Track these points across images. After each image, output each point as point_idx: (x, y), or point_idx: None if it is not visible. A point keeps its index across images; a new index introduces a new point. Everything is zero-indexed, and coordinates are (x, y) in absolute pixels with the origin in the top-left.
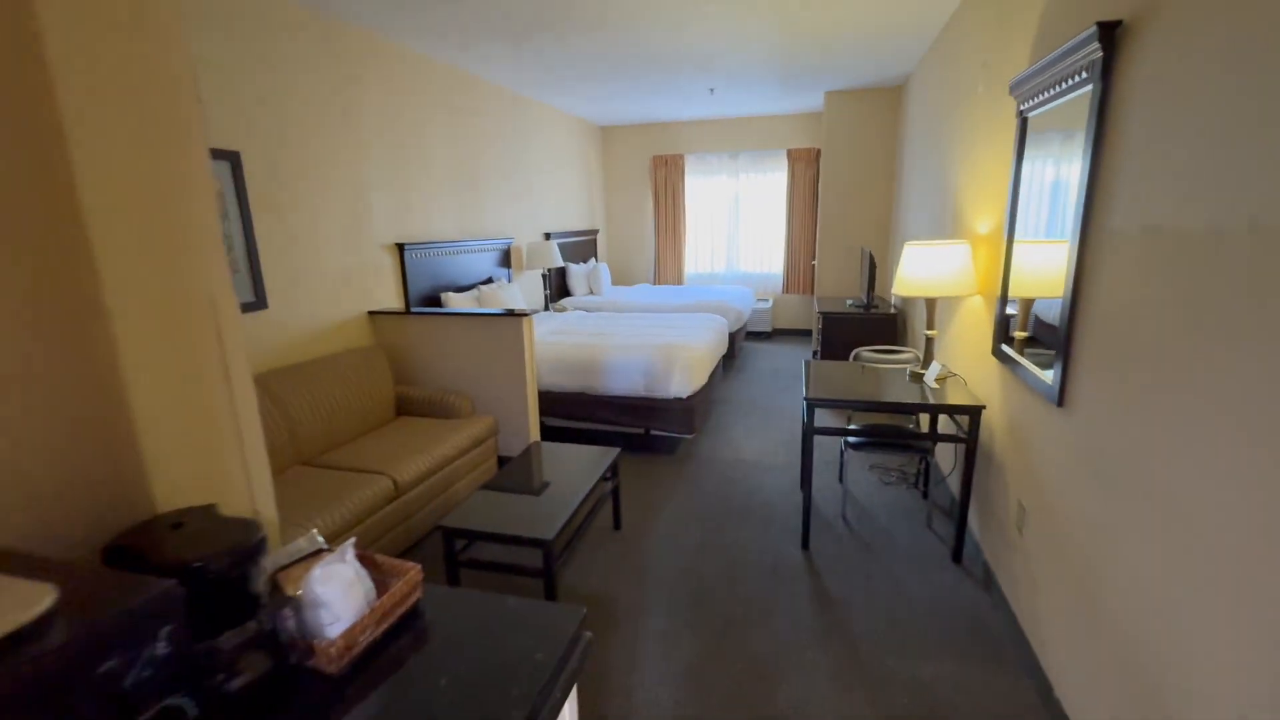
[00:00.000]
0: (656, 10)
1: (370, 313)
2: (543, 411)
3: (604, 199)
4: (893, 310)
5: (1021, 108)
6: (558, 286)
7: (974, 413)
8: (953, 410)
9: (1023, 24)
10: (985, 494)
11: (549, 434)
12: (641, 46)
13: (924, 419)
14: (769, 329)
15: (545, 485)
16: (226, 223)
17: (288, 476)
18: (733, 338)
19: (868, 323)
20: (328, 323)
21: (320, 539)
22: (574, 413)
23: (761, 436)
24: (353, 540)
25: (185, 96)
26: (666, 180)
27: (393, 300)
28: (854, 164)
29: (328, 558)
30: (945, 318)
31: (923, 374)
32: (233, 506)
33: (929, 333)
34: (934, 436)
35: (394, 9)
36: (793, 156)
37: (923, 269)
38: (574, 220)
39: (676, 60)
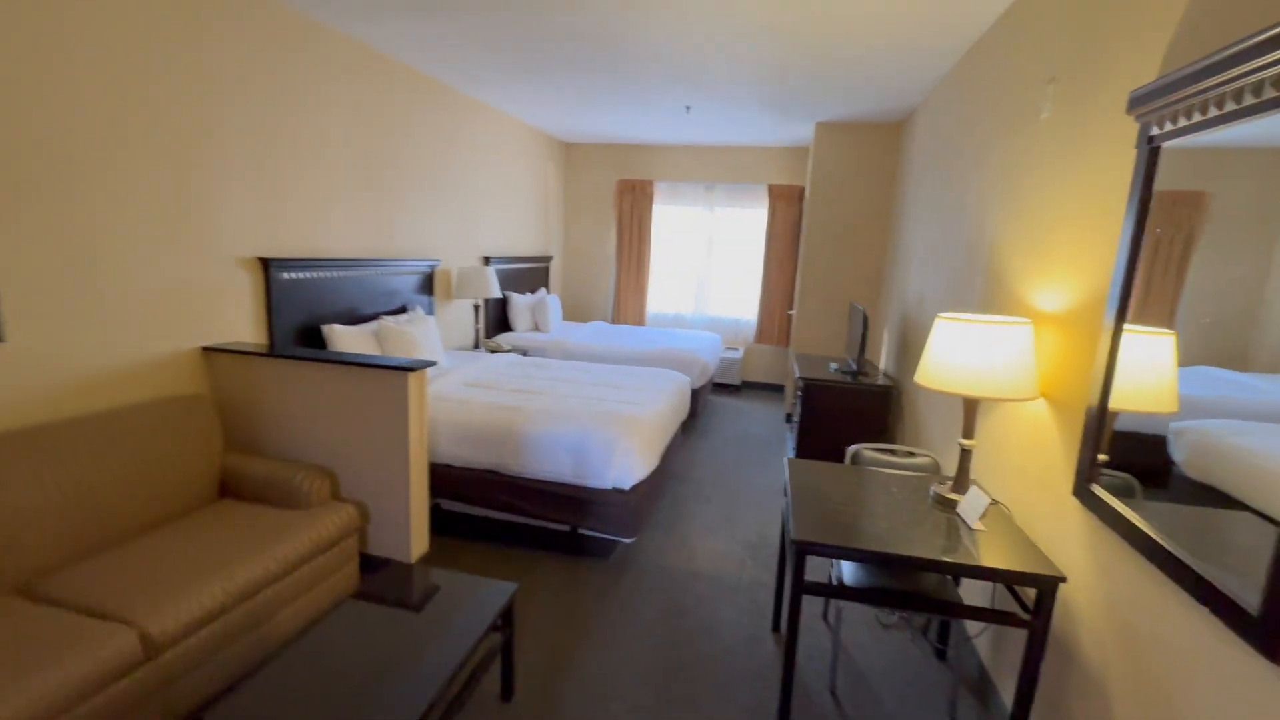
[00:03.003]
0: None
1: (205, 349)
2: (440, 493)
3: (562, 223)
4: (884, 382)
5: (1154, 132)
6: (496, 319)
7: (1046, 587)
8: (1014, 580)
9: (1138, 16)
10: (1058, 706)
11: (445, 524)
12: (590, 37)
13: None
14: (738, 381)
15: (395, 647)
16: None
17: None
18: (696, 395)
19: (857, 395)
20: (128, 362)
21: None
22: (481, 497)
23: (725, 534)
24: None
25: None
26: (633, 208)
27: (249, 332)
28: (843, 207)
29: None
30: (979, 420)
31: (956, 501)
32: None
33: (966, 442)
34: (982, 612)
35: None
36: (774, 193)
37: (967, 355)
38: (524, 244)
39: (642, 61)
